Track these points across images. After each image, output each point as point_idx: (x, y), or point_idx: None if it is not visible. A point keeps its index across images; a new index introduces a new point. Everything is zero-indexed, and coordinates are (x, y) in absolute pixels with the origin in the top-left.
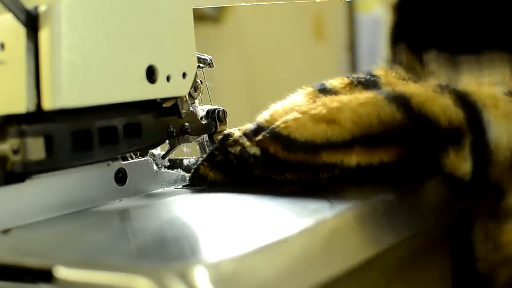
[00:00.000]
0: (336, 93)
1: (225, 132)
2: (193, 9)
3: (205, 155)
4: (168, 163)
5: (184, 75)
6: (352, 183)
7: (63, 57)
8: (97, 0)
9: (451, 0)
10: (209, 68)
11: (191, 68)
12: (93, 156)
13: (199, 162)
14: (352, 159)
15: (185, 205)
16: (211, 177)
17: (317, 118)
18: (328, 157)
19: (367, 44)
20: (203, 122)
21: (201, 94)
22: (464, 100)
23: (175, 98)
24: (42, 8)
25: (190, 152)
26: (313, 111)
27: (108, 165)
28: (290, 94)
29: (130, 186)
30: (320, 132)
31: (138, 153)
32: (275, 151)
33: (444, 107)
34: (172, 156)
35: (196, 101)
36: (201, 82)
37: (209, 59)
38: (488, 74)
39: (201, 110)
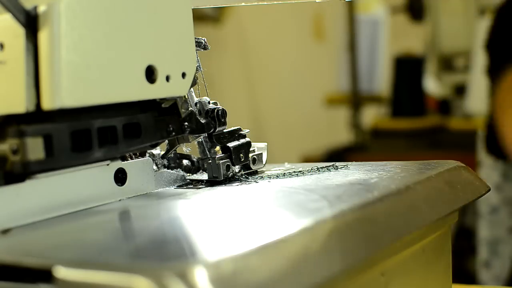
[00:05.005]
0: None
1: None
2: (193, 9)
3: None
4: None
5: (183, 75)
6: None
7: (62, 57)
8: (96, 0)
9: None
10: (209, 68)
11: (191, 68)
12: (92, 156)
13: None
14: None
15: (185, 205)
16: None
17: None
18: None
19: (367, 44)
20: (202, 122)
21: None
22: None
23: (175, 98)
24: (41, 9)
25: (189, 152)
26: None
27: (108, 165)
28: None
29: (129, 186)
30: None
31: (137, 153)
32: None
33: None
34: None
35: (193, 94)
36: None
37: (203, 41)
38: None
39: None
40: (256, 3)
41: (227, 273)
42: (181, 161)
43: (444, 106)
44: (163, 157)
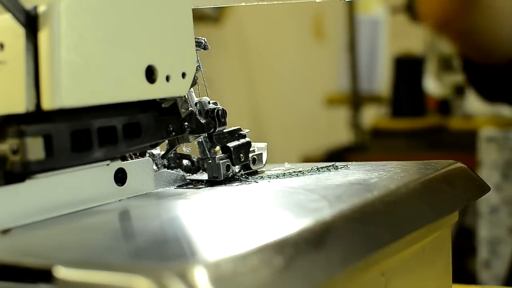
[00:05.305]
0: None
1: None
2: (193, 9)
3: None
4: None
5: (183, 75)
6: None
7: (62, 57)
8: (96, 0)
9: None
10: (209, 68)
11: (191, 68)
12: (92, 156)
13: None
14: None
15: (185, 205)
16: None
17: None
18: None
19: (367, 44)
20: (202, 122)
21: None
22: None
23: (175, 98)
24: (41, 9)
25: (189, 152)
26: None
27: (108, 165)
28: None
29: (129, 186)
30: None
31: (137, 153)
32: None
33: None
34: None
35: (193, 94)
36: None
37: (203, 41)
38: None
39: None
40: (256, 3)
41: (227, 273)
42: (181, 161)
43: (444, 106)
44: (163, 157)
